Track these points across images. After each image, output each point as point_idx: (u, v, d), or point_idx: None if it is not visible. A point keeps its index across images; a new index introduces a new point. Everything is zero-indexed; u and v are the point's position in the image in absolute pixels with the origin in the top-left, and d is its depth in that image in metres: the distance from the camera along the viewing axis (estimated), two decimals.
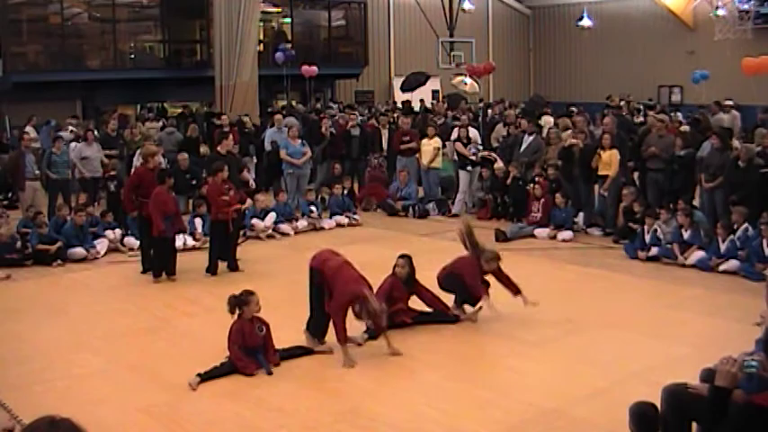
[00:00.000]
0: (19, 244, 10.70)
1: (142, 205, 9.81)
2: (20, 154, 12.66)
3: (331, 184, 13.82)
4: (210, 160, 11.26)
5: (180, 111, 21.45)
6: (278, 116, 15.76)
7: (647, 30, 25.91)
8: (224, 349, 6.52)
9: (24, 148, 12.77)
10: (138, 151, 12.34)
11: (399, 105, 21.01)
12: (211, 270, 9.96)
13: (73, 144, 14.14)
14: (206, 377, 6.32)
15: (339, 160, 15.08)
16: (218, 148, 11.27)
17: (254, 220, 12.06)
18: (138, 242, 10.62)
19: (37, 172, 12.77)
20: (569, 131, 13.25)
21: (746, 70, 16.75)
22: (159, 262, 9.80)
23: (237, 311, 6.55)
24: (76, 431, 2.27)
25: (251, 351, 6.52)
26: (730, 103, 16.78)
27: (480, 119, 17.39)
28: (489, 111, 18.48)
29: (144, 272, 10.02)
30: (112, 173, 13.17)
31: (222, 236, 9.99)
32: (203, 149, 14.73)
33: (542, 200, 12.19)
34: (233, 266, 10.14)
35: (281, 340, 6.80)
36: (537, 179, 12.66)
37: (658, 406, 4.55)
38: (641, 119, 17.02)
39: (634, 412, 4.64)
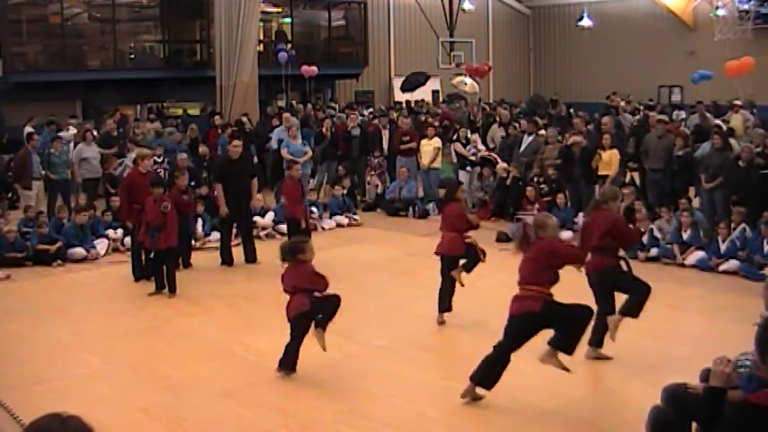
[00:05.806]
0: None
1: (134, 212, 9.38)
2: (27, 153, 12.66)
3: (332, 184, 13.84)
4: (221, 164, 11.15)
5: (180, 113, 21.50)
6: (286, 114, 15.76)
7: (647, 30, 25.86)
8: (223, 349, 6.50)
9: (30, 148, 12.77)
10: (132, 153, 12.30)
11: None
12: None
13: (72, 144, 14.14)
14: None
15: (339, 160, 15.09)
16: (230, 154, 10.78)
17: (255, 217, 11.99)
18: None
19: (43, 172, 12.78)
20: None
21: (729, 73, 16.95)
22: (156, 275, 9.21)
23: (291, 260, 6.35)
24: (84, 427, 2.26)
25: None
26: (739, 102, 16.76)
27: (473, 119, 17.33)
28: (479, 114, 18.42)
29: (137, 280, 9.67)
30: (118, 161, 13.27)
31: (296, 232, 9.80)
32: (202, 150, 14.70)
33: (536, 204, 12.23)
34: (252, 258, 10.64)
35: (284, 339, 6.78)
36: (531, 181, 12.65)
37: (660, 406, 4.53)
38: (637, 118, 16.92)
39: (653, 418, 4.53)
